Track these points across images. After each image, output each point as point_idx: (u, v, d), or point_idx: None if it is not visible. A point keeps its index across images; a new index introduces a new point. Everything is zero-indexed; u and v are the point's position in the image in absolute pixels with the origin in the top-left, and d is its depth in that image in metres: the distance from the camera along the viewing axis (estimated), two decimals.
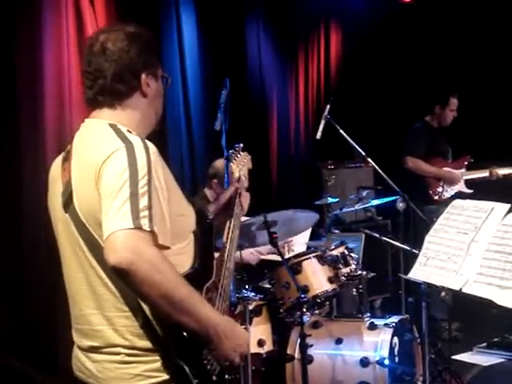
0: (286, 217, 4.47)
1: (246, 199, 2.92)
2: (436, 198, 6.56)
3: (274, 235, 4.07)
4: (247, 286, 4.46)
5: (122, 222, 2.01)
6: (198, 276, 2.30)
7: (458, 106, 6.78)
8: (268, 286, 4.70)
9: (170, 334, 2.16)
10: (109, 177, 2.09)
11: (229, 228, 2.68)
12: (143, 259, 1.99)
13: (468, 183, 6.72)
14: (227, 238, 2.63)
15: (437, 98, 6.82)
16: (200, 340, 2.16)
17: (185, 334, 2.13)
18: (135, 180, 2.06)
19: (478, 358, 5.86)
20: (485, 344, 6.05)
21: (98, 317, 2.24)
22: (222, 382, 2.27)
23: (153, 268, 2.00)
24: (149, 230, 2.03)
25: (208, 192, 5.01)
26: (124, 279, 2.01)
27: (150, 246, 2.03)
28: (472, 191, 6.63)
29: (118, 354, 2.21)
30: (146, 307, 2.15)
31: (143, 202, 2.04)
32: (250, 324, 4.31)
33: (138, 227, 2.01)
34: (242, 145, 3.13)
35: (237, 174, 2.98)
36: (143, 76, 2.33)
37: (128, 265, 1.97)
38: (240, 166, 3.02)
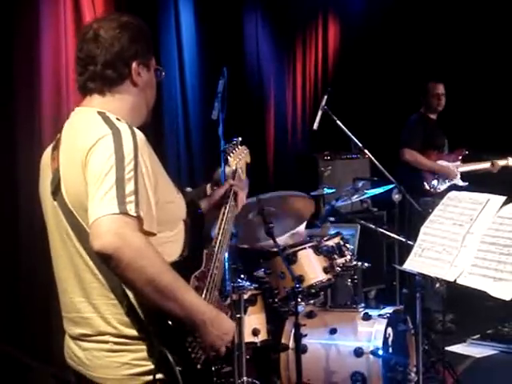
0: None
1: (240, 196, 2.88)
2: (431, 190, 6.57)
3: (270, 225, 4.07)
4: (242, 276, 4.48)
5: (108, 208, 2.01)
6: (187, 264, 2.30)
7: (444, 89, 6.76)
8: (263, 275, 4.72)
9: (154, 321, 2.16)
10: (95, 163, 2.09)
11: (221, 220, 2.67)
12: (128, 244, 1.99)
13: (463, 176, 6.73)
14: (219, 229, 2.62)
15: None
16: (185, 327, 2.16)
17: (169, 322, 2.14)
18: (121, 165, 2.06)
19: (472, 349, 5.92)
20: (478, 336, 6.12)
21: (86, 305, 2.25)
22: (208, 371, 2.27)
23: (138, 253, 2.00)
24: (135, 215, 2.03)
25: (209, 191, 4.97)
26: (109, 264, 2.01)
27: (136, 231, 2.03)
28: (467, 184, 6.65)
29: (107, 342, 2.22)
30: (130, 294, 2.16)
31: (129, 187, 2.05)
32: (245, 313, 4.32)
33: (124, 212, 2.01)
34: (240, 138, 3.12)
35: (233, 167, 2.97)
36: (134, 64, 2.34)
37: (113, 250, 1.97)
38: (237, 159, 3.01)
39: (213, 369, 2.30)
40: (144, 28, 2.41)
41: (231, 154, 3.01)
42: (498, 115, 7.86)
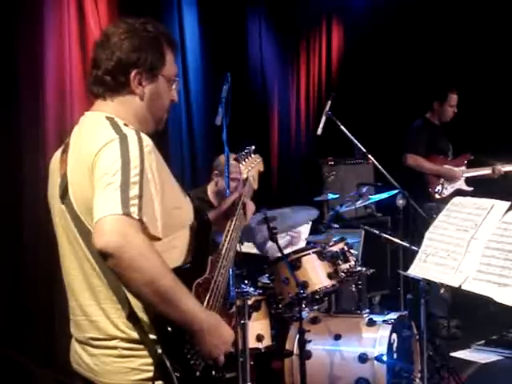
0: (285, 214, 4.47)
1: (249, 207, 2.84)
2: (436, 195, 6.56)
3: (274, 230, 4.07)
4: (246, 281, 4.46)
5: (111, 208, 2.01)
6: (190, 271, 2.28)
7: (457, 101, 6.78)
8: (267, 281, 4.71)
9: (153, 327, 2.16)
10: (101, 166, 2.10)
11: (229, 227, 2.62)
12: (130, 244, 1.99)
13: (468, 181, 6.72)
14: (226, 236, 2.58)
15: (435, 94, 6.82)
16: (185, 334, 2.15)
17: (169, 327, 2.13)
18: (127, 169, 2.07)
19: (476, 355, 5.91)
20: (483, 341, 6.10)
21: (95, 308, 2.24)
22: (207, 379, 2.25)
23: (139, 254, 2.00)
24: (137, 218, 2.03)
25: (209, 188, 4.98)
26: (109, 263, 2.01)
27: (138, 232, 2.03)
28: (472, 189, 6.63)
29: (115, 347, 2.21)
30: (131, 298, 2.15)
31: (134, 191, 2.05)
32: (249, 319, 4.30)
33: (127, 214, 2.01)
34: (253, 147, 3.11)
35: (245, 176, 2.96)
36: (133, 74, 2.31)
37: (114, 249, 1.97)
38: (249, 168, 2.99)
39: (213, 376, 2.26)
40: (156, 36, 2.35)
41: (243, 163, 2.99)
42: (503, 120, 7.84)
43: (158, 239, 2.12)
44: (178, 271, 2.16)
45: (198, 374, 2.20)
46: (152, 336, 2.16)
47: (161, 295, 2.05)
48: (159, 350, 2.14)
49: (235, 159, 3.02)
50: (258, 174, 3.09)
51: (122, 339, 2.20)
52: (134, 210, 2.02)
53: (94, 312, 2.25)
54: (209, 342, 2.17)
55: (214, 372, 2.26)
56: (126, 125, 2.23)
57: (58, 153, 2.38)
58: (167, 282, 2.06)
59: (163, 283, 2.04)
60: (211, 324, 2.18)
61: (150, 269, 2.02)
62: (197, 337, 2.15)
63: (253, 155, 3.07)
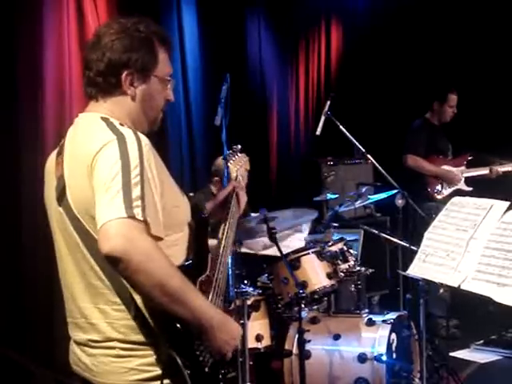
0: (285, 215, 4.48)
1: (242, 199, 2.89)
2: (435, 195, 6.56)
3: (273, 230, 4.07)
4: (246, 281, 4.47)
5: (115, 212, 2.01)
6: (192, 269, 2.30)
7: (457, 102, 6.78)
8: (266, 281, 4.71)
9: (162, 325, 2.16)
10: (101, 169, 2.09)
11: (225, 225, 2.67)
12: (137, 247, 1.99)
13: (468, 181, 6.72)
14: (223, 233, 2.61)
15: (435, 94, 6.83)
16: (193, 331, 2.16)
17: (178, 325, 2.13)
18: (127, 171, 2.06)
19: (476, 355, 5.91)
20: (482, 341, 6.10)
21: (94, 310, 2.24)
22: (215, 375, 2.26)
23: (146, 256, 2.00)
24: (142, 219, 2.03)
25: (213, 188, 5.06)
26: (117, 268, 2.01)
27: (144, 234, 2.02)
28: (471, 189, 6.63)
29: (113, 348, 2.21)
30: (138, 298, 2.15)
31: (136, 192, 2.05)
32: (248, 319, 4.31)
33: (131, 216, 2.01)
34: (239, 146, 3.13)
35: (234, 174, 3.00)
36: (124, 74, 2.29)
37: (121, 253, 1.97)
38: (237, 166, 3.03)
39: (220, 372, 2.29)
40: (147, 36, 2.33)
41: (231, 161, 3.02)
42: (503, 120, 7.83)
43: (160, 239, 2.11)
44: (182, 269, 2.17)
45: (206, 370, 2.21)
46: (159, 335, 2.16)
47: (170, 296, 2.05)
48: (169, 348, 2.14)
49: (224, 158, 3.04)
50: (246, 172, 3.11)
51: (120, 340, 2.20)
52: (137, 212, 2.02)
53: (94, 314, 2.24)
54: (219, 338, 2.18)
55: (221, 369, 2.28)
56: (121, 124, 2.22)
57: (53, 155, 2.37)
58: (175, 283, 2.06)
59: (172, 284, 2.05)
60: (220, 320, 2.20)
61: (158, 271, 2.02)
62: (207, 334, 2.16)
63: (239, 154, 3.09)
